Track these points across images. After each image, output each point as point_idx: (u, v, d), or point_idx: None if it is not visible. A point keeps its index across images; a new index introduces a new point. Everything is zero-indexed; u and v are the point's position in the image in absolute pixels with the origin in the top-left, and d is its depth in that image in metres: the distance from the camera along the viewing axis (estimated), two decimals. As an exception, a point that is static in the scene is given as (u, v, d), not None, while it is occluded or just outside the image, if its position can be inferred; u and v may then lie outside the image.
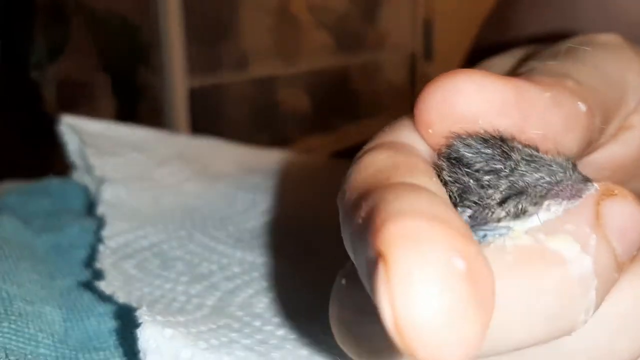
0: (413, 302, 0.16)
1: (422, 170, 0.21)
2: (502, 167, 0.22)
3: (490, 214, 0.22)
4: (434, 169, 0.22)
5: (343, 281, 0.24)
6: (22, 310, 0.33)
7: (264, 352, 0.30)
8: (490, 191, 0.22)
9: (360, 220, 0.19)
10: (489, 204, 0.22)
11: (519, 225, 0.22)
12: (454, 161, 0.22)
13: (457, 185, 0.22)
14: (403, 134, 0.23)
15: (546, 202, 0.22)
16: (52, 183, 0.52)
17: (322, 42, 1.94)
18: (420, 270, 0.16)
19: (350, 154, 0.25)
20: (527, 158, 0.22)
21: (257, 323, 0.33)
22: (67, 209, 0.48)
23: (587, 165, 0.27)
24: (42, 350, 0.31)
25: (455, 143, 0.22)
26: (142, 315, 0.30)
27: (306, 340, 0.32)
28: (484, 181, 0.22)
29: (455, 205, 0.22)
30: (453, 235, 0.17)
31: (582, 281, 0.20)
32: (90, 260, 0.39)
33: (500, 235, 0.21)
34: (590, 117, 0.24)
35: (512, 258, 0.20)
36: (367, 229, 0.18)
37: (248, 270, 0.39)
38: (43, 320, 0.33)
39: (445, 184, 0.22)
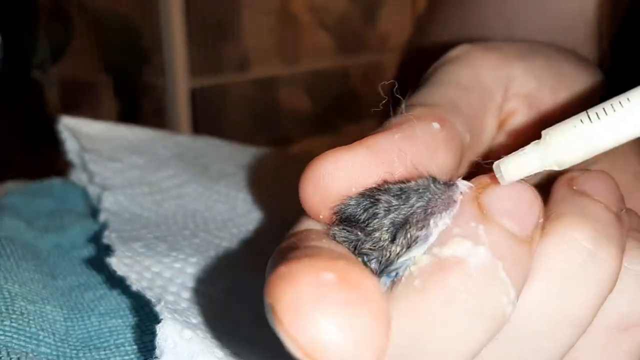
0: (303, 323, 0.19)
1: (312, 238, 0.24)
2: (378, 210, 0.24)
3: (388, 253, 0.24)
4: (329, 237, 0.25)
5: None
6: (23, 309, 0.33)
7: (276, 357, 0.30)
8: (377, 234, 0.24)
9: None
10: (382, 245, 0.24)
11: (420, 251, 0.23)
12: (344, 222, 0.24)
13: (350, 240, 0.24)
14: (303, 224, 0.26)
15: (431, 222, 0.23)
16: (54, 184, 0.53)
17: (323, 43, 1.95)
18: (297, 295, 0.19)
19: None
20: (398, 193, 0.24)
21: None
22: (69, 209, 0.49)
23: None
24: (43, 349, 0.32)
25: (339, 207, 0.25)
26: (163, 311, 0.29)
27: None
28: (370, 228, 0.24)
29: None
30: (319, 259, 0.20)
31: (485, 269, 0.22)
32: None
33: (407, 267, 0.23)
34: (450, 128, 0.26)
35: (419, 281, 0.22)
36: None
37: (252, 268, 0.39)
38: (44, 319, 0.34)
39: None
